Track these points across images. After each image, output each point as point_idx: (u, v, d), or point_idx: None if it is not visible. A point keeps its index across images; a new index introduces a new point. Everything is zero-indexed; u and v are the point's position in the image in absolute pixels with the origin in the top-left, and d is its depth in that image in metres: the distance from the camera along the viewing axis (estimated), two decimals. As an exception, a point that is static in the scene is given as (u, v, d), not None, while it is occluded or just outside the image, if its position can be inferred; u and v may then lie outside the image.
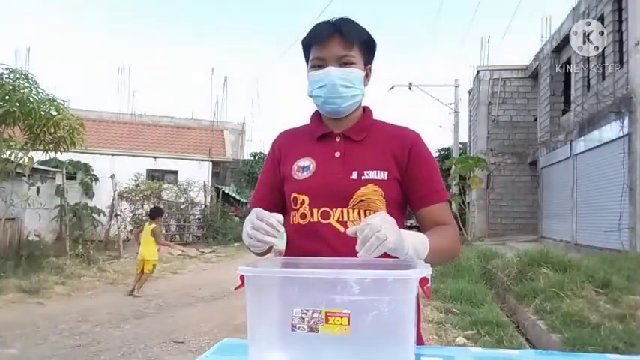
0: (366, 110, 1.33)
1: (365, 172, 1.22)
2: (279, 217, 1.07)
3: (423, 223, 1.26)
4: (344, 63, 1.21)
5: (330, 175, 1.23)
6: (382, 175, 1.22)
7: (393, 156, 1.25)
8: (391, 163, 1.24)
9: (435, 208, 1.25)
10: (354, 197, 1.20)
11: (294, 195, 1.25)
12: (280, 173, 1.33)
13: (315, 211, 1.22)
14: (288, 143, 1.36)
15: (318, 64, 1.23)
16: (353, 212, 1.20)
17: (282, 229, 1.06)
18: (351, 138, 1.27)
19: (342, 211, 1.21)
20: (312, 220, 1.23)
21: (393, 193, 1.23)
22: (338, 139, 1.27)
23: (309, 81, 1.26)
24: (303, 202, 1.24)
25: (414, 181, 1.26)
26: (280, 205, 1.32)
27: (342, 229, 1.19)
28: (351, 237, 1.18)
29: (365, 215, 1.20)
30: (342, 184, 1.21)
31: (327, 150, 1.27)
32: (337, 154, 1.25)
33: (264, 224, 1.04)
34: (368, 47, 1.27)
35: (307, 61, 1.28)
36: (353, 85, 1.22)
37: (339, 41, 1.20)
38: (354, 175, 1.22)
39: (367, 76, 1.29)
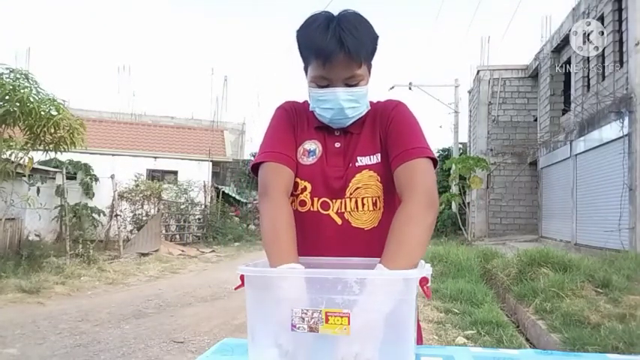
0: None
1: (358, 159, 1.20)
2: None
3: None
4: (351, 83, 1.15)
5: (331, 166, 1.21)
6: (375, 159, 1.20)
7: (379, 135, 1.22)
8: (379, 143, 1.21)
9: (399, 171, 1.12)
10: (350, 186, 1.19)
11: (296, 179, 1.21)
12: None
13: (315, 200, 1.21)
14: (298, 117, 1.28)
15: (322, 84, 1.16)
16: (350, 202, 1.19)
17: None
18: (350, 131, 1.25)
19: (340, 202, 1.20)
20: (312, 209, 1.21)
21: (390, 175, 1.17)
22: (337, 133, 1.25)
23: (313, 97, 1.20)
24: (305, 189, 1.21)
25: (388, 148, 1.19)
26: (295, 168, 1.21)
27: (339, 221, 1.19)
28: (345, 233, 1.19)
29: (362, 204, 1.19)
30: (341, 176, 1.20)
31: (329, 139, 1.25)
32: (337, 145, 1.23)
33: None
34: (373, 53, 1.18)
35: (303, 60, 1.19)
36: (359, 104, 1.19)
37: (346, 61, 1.10)
38: (350, 165, 1.21)
39: (369, 72, 1.22)
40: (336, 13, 1.15)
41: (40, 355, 4.00)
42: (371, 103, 1.28)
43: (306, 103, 1.29)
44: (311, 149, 1.24)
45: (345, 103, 1.16)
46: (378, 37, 1.18)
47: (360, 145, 1.22)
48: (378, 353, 0.85)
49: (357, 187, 1.19)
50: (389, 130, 1.20)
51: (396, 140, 1.17)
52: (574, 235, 11.30)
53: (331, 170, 1.21)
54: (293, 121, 1.27)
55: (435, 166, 1.15)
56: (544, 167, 14.25)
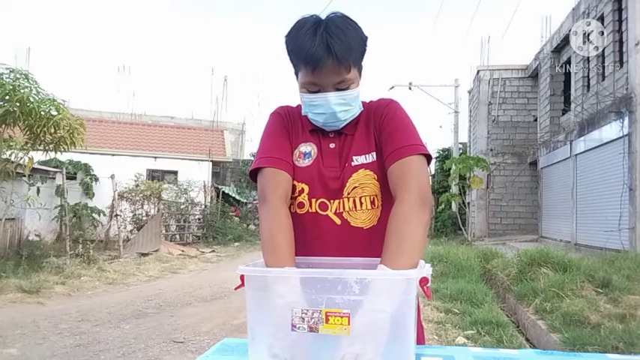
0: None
1: (354, 158, 1.21)
2: None
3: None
4: (341, 87, 1.15)
5: (327, 167, 1.22)
6: (371, 158, 1.21)
7: (373, 133, 1.23)
8: (374, 142, 1.22)
9: (392, 169, 1.13)
10: (347, 185, 1.19)
11: (294, 182, 1.22)
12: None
13: (313, 201, 1.21)
14: (292, 121, 1.29)
15: (313, 89, 1.17)
16: (348, 202, 1.20)
17: None
18: (344, 132, 1.25)
19: (338, 203, 1.20)
20: (310, 210, 1.21)
21: (386, 173, 1.17)
22: (332, 135, 1.26)
23: (305, 103, 1.21)
24: (302, 191, 1.22)
25: (381, 145, 1.19)
26: (292, 172, 1.23)
27: (338, 222, 1.20)
28: (344, 233, 1.19)
29: (360, 203, 1.19)
30: (338, 177, 1.20)
31: (324, 141, 1.25)
32: (332, 146, 1.24)
33: None
34: (362, 55, 1.18)
35: (293, 66, 1.20)
36: (351, 107, 1.20)
37: (334, 67, 1.11)
38: (346, 165, 1.21)
39: (360, 74, 1.22)
40: (324, 16, 1.14)
41: (40, 355, 4.00)
42: (364, 102, 1.28)
43: (299, 107, 1.29)
44: (306, 151, 1.24)
45: (337, 107, 1.17)
46: (366, 38, 1.18)
47: (355, 145, 1.23)
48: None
49: (355, 187, 1.19)
50: (382, 127, 1.21)
51: (389, 138, 1.18)
52: (574, 235, 11.30)
53: (328, 171, 1.21)
54: (287, 125, 1.28)
55: (428, 163, 1.16)
56: (544, 167, 14.24)
